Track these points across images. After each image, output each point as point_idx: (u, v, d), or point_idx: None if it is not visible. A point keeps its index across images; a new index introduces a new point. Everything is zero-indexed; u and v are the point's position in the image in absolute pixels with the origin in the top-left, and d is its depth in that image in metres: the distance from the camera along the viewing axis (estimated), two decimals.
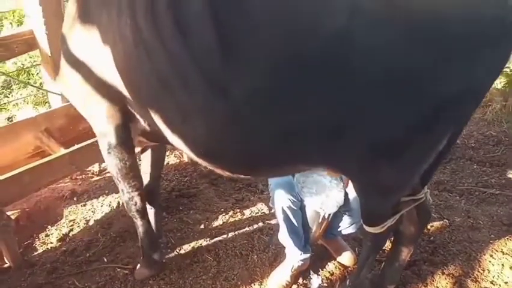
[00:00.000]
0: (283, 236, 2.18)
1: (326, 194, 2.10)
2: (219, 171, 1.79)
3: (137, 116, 1.80)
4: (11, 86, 4.08)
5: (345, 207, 2.17)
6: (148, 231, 2.24)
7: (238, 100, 1.39)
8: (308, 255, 2.24)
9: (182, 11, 1.37)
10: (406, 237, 1.97)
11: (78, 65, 1.74)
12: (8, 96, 4.01)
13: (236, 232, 2.63)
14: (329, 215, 2.19)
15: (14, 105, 3.84)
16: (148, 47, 1.47)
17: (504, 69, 4.50)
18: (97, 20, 1.62)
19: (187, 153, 1.76)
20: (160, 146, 2.29)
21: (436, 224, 2.77)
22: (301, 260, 2.22)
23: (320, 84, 1.32)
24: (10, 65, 4.22)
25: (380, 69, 1.27)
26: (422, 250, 2.53)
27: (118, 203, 2.84)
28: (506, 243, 2.58)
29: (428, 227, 2.73)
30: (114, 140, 1.86)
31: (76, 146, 2.50)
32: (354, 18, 1.21)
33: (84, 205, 2.84)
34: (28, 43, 2.74)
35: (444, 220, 2.80)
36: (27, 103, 3.82)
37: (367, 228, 1.84)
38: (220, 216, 2.75)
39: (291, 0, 1.28)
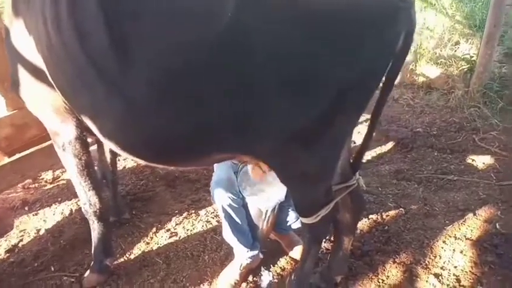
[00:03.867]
0: (228, 235, 2.15)
1: (268, 191, 2.08)
2: (140, 162, 1.79)
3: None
4: None
5: (288, 202, 2.15)
6: (103, 235, 2.21)
7: (134, 98, 1.40)
8: (256, 252, 2.22)
9: (79, 16, 1.40)
10: (344, 225, 1.96)
11: (19, 61, 1.76)
12: None
13: (189, 233, 2.60)
14: (274, 210, 2.17)
15: None
16: (56, 50, 1.51)
17: (465, 56, 4.55)
18: (24, 21, 1.66)
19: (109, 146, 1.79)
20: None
21: (392, 213, 2.76)
22: (250, 258, 2.20)
23: (216, 80, 1.32)
24: None
25: (274, 61, 1.28)
26: (375, 240, 2.53)
27: (71, 210, 2.79)
28: (459, 228, 2.58)
29: (384, 216, 2.74)
30: (66, 136, 1.87)
31: (18, 155, 2.44)
32: (241, 10, 1.22)
33: (36, 214, 2.79)
34: None
35: (400, 209, 2.80)
36: None
37: (302, 219, 1.82)
38: (173, 219, 2.72)
39: (179, 4, 1.31)
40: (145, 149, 1.61)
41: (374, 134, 1.79)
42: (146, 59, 1.35)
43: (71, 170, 1.98)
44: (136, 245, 2.51)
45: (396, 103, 4.52)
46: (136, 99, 1.41)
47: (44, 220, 2.74)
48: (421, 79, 4.75)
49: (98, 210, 2.10)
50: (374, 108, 1.67)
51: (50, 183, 3.06)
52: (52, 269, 2.35)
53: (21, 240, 2.59)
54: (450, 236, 2.53)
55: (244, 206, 2.14)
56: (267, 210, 2.13)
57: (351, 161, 1.89)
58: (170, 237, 2.56)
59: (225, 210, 2.08)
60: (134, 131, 1.53)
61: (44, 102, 1.81)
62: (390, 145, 3.74)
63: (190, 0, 1.31)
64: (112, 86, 1.42)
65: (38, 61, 1.67)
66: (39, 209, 2.82)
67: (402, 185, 3.10)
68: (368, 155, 3.57)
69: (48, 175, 3.09)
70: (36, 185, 3.04)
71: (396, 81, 4.75)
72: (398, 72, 1.56)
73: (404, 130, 3.93)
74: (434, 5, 6.10)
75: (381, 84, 1.59)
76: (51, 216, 2.76)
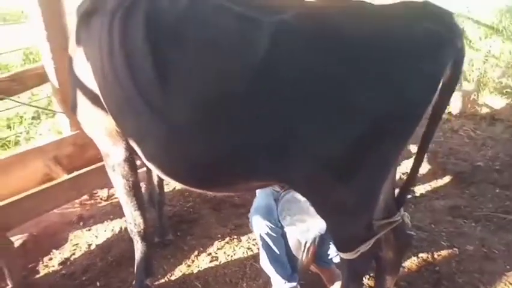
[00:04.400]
0: (265, 264, 2.13)
1: (309, 222, 2.04)
2: (182, 185, 1.86)
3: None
4: (40, 116, 4.38)
5: (328, 235, 2.08)
6: (145, 255, 2.29)
7: (177, 125, 1.47)
8: (294, 284, 2.17)
9: (129, 47, 1.52)
10: (387, 263, 1.87)
11: (79, 87, 1.90)
12: (36, 127, 4.29)
13: (229, 259, 2.60)
14: (314, 242, 2.11)
15: (40, 134, 4.11)
16: (108, 77, 1.63)
17: None
18: (84, 49, 1.79)
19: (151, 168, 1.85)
20: None
21: (444, 252, 2.59)
22: None
23: (251, 109, 1.37)
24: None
25: (308, 90, 1.31)
26: (424, 281, 2.37)
27: (120, 227, 2.91)
28: None
29: (435, 255, 2.57)
30: (116, 158, 1.98)
31: (76, 173, 2.61)
32: (276, 40, 1.28)
33: (89, 230, 2.94)
34: (40, 77, 2.95)
35: (454, 249, 2.62)
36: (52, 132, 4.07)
37: (341, 254, 1.76)
38: (216, 243, 2.74)
39: (219, 35, 1.38)
40: (184, 173, 1.68)
41: (421, 167, 1.72)
42: (186, 88, 1.43)
43: (119, 190, 2.09)
44: (178, 267, 2.55)
45: (456, 134, 4.27)
46: (176, 126, 1.49)
47: (95, 236, 2.88)
48: (484, 110, 4.47)
49: (142, 231, 2.18)
50: (421, 141, 1.60)
51: (105, 200, 3.23)
52: (98, 284, 2.46)
53: (74, 253, 2.74)
54: (511, 284, 2.31)
55: (283, 235, 2.11)
56: (306, 242, 2.08)
57: (396, 195, 1.81)
58: (211, 261, 2.58)
59: (262, 239, 2.06)
60: (174, 156, 1.59)
61: (99, 125, 1.93)
62: (447, 179, 3.52)
63: (229, 32, 1.37)
64: (156, 113, 1.51)
65: (95, 87, 1.79)
66: (92, 225, 2.97)
67: (458, 223, 2.90)
68: (422, 189, 3.39)
69: (103, 193, 3.27)
70: (92, 201, 3.22)
71: (457, 112, 4.56)
72: (446, 104, 1.50)
73: (463, 164, 3.69)
74: (502, 31, 5.79)
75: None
76: (102, 232, 2.90)
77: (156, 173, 1.85)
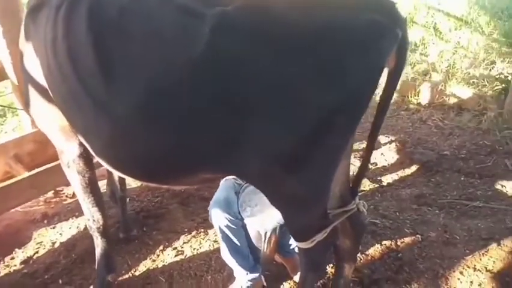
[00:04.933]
0: (226, 256, 2.13)
1: (267, 213, 2.04)
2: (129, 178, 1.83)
3: None
4: (6, 114, 4.28)
5: None
6: (105, 251, 2.25)
7: (119, 118, 1.45)
8: (257, 274, 2.17)
9: (72, 39, 1.49)
10: (344, 251, 1.89)
11: (30, 82, 1.86)
12: (2, 125, 4.19)
13: (195, 252, 2.59)
14: (274, 232, 2.12)
15: (5, 132, 4.02)
16: (53, 71, 1.60)
17: (499, 75, 4.33)
18: (32, 43, 1.75)
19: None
20: None
21: (407, 240, 2.63)
22: (250, 281, 2.15)
23: (196, 104, 1.34)
24: None
25: (252, 83, 1.29)
26: (386, 268, 2.41)
27: (85, 225, 2.86)
28: (480, 259, 2.42)
29: (398, 243, 2.61)
30: (70, 154, 1.94)
31: (35, 170, 2.56)
32: (217, 34, 1.26)
33: (53, 227, 2.89)
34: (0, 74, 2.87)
35: (417, 236, 2.66)
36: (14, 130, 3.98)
37: (298, 244, 1.77)
38: (182, 237, 2.72)
39: (161, 28, 1.36)
40: (131, 167, 1.65)
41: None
42: (129, 80, 1.40)
43: (76, 187, 2.05)
44: (142, 262, 2.53)
45: (425, 124, 4.34)
46: (120, 119, 1.46)
47: (60, 233, 2.83)
48: (452, 100, 4.56)
49: (101, 227, 2.15)
50: (370, 130, 1.61)
51: (70, 197, 3.17)
52: (60, 281, 2.42)
53: (37, 252, 2.68)
54: (469, 267, 2.37)
55: (244, 227, 2.11)
56: (266, 232, 2.08)
57: (351, 185, 1.83)
58: (176, 255, 2.57)
59: (222, 231, 2.06)
60: (120, 149, 1.57)
61: (51, 121, 1.89)
62: (414, 168, 3.58)
63: (170, 25, 1.35)
64: (99, 106, 1.48)
65: (44, 82, 1.75)
66: (57, 223, 2.92)
67: (422, 211, 2.95)
68: (390, 178, 3.43)
69: (69, 190, 3.21)
70: (57, 199, 3.16)
71: (426, 102, 4.63)
72: (392, 93, 1.51)
73: (430, 153, 3.75)
74: (470, 23, 5.90)
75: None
76: (67, 230, 2.86)
77: (105, 166, 1.82)
